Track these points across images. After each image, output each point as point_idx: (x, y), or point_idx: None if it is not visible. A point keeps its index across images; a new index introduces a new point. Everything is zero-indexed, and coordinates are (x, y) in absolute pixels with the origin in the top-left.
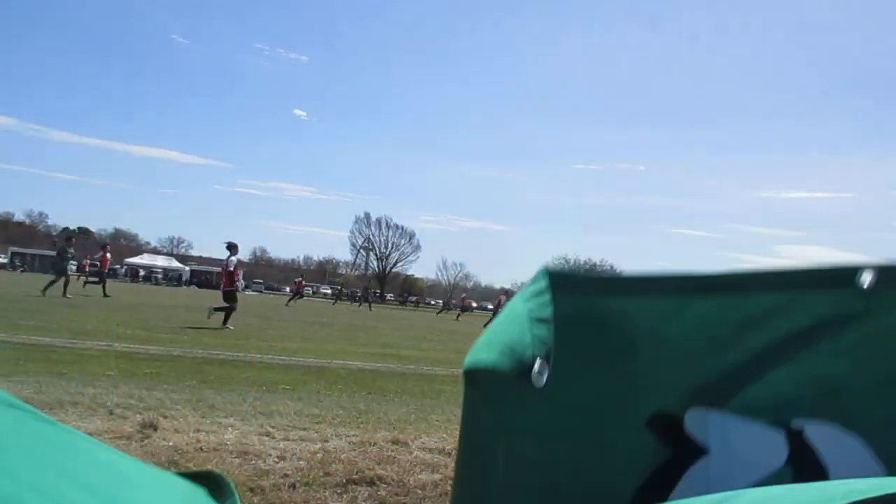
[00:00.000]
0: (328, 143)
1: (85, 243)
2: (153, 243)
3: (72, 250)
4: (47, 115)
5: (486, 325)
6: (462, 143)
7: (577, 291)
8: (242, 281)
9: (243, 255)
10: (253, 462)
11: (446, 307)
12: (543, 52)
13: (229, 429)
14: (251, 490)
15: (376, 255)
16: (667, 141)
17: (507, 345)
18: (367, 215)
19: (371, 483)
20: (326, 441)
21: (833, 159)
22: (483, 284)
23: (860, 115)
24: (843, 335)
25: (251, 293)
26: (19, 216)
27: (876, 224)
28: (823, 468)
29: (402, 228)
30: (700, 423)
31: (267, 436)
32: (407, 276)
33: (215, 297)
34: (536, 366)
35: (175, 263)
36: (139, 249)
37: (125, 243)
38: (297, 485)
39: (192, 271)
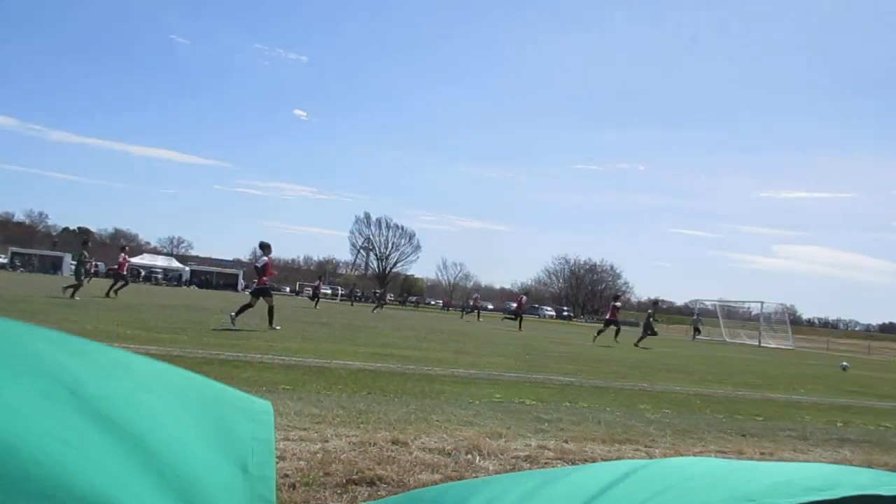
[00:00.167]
0: (328, 143)
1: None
2: (153, 243)
3: (86, 253)
4: (47, 115)
5: (507, 319)
6: (462, 143)
7: None
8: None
9: (243, 254)
10: None
11: (466, 309)
12: (544, 53)
13: None
14: None
15: (376, 255)
16: (667, 141)
17: None
18: (367, 215)
19: (371, 483)
20: (326, 441)
21: (833, 159)
22: (483, 284)
23: (860, 115)
24: None
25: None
26: (19, 216)
27: (876, 224)
28: None
29: (402, 228)
30: None
31: None
32: (407, 276)
33: (216, 298)
34: None
35: (175, 263)
36: (139, 249)
37: (125, 243)
38: (297, 485)
39: (192, 271)
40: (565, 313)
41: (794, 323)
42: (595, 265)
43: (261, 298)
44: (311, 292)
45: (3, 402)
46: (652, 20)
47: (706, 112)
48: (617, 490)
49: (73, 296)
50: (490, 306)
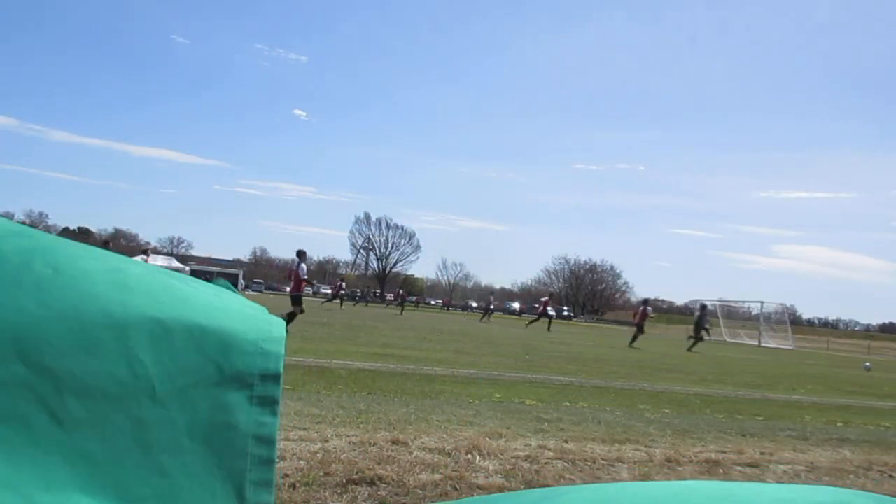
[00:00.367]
0: (328, 142)
1: (86, 243)
2: (153, 243)
3: None
4: (47, 115)
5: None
6: (462, 143)
7: None
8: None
9: (243, 254)
10: None
11: (486, 312)
12: (544, 52)
13: None
14: None
15: (376, 255)
16: (667, 141)
17: None
18: (367, 215)
19: (371, 483)
20: (326, 441)
21: (833, 159)
22: (483, 284)
23: (860, 115)
24: None
25: (251, 293)
26: (19, 216)
27: (876, 224)
28: None
29: (402, 228)
30: None
31: None
32: (407, 276)
33: None
34: None
35: (175, 263)
36: (139, 249)
37: (125, 243)
38: (297, 485)
39: (192, 271)
40: (565, 313)
41: (794, 323)
42: (595, 265)
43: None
44: (330, 294)
45: None
46: (652, 20)
47: (706, 112)
48: None
49: None
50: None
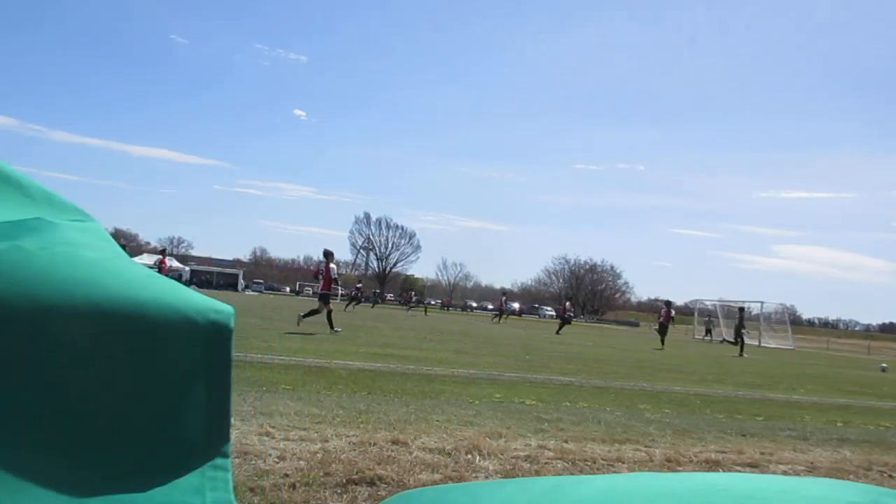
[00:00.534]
0: (328, 142)
1: None
2: (153, 243)
3: None
4: (47, 115)
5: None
6: (462, 143)
7: None
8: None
9: (243, 254)
10: (253, 462)
11: (500, 313)
12: (544, 52)
13: None
14: (251, 490)
15: (376, 255)
16: (667, 141)
17: None
18: (367, 215)
19: (371, 483)
20: (326, 441)
21: (833, 159)
22: (483, 284)
23: (861, 115)
24: None
25: (251, 293)
26: None
27: (876, 224)
28: None
29: (402, 228)
30: None
31: (267, 436)
32: (407, 275)
33: (217, 298)
34: None
35: (175, 263)
36: (139, 249)
37: (125, 243)
38: (297, 485)
39: (192, 271)
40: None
41: (794, 323)
42: (595, 265)
43: (320, 301)
44: (351, 296)
45: None
46: (652, 20)
47: (706, 112)
48: None
49: None
50: (490, 306)
